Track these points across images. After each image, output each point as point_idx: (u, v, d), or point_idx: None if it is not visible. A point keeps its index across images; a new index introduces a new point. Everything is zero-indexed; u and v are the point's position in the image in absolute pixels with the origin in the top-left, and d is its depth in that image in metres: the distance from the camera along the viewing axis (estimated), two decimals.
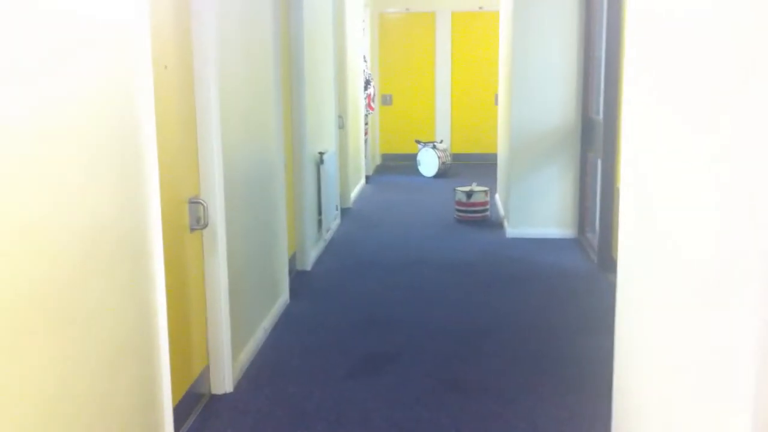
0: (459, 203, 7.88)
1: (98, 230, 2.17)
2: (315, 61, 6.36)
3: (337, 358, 4.11)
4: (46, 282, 1.89)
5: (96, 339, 2.17)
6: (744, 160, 1.43)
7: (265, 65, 4.52)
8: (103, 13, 2.19)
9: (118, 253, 2.31)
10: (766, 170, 1.33)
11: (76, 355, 2.05)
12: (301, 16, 5.67)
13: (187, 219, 3.36)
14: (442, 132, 12.58)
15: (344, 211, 8.31)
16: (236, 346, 3.84)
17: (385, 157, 12.77)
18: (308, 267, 5.96)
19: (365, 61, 10.64)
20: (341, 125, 8.31)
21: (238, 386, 3.76)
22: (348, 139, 8.83)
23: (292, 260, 5.71)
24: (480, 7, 12.21)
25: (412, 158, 11.61)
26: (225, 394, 3.67)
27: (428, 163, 11.15)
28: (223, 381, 3.68)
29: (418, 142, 11.49)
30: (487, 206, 7.91)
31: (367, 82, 10.57)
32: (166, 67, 3.06)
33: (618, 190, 5.40)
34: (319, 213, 6.53)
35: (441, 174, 11.08)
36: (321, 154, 6.52)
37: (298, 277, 5.68)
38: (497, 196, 8.81)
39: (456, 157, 12.14)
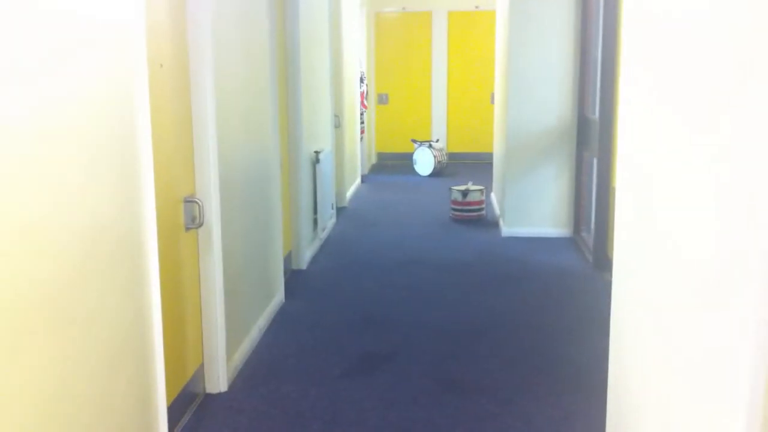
0: (455, 202, 7.89)
1: (98, 230, 2.18)
2: (311, 61, 6.36)
3: (333, 358, 4.12)
4: (46, 282, 1.89)
5: (95, 339, 2.17)
6: (742, 160, 1.44)
7: (261, 64, 4.52)
8: (102, 14, 2.20)
9: (117, 253, 2.31)
10: (765, 170, 1.34)
11: (76, 355, 2.06)
12: (297, 15, 5.67)
13: (182, 218, 3.36)
14: (438, 131, 12.58)
15: (340, 211, 8.31)
16: (231, 345, 3.84)
17: (381, 156, 12.77)
18: (304, 266, 5.96)
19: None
20: (337, 124, 8.31)
21: (233, 385, 3.77)
22: (344, 138, 8.83)
23: (288, 259, 5.71)
24: (476, 7, 12.22)
25: (408, 157, 11.61)
26: (219, 394, 3.67)
27: (424, 162, 11.15)
28: (218, 380, 3.68)
29: (414, 141, 11.50)
30: (483, 205, 7.92)
31: (360, 80, 10.57)
32: (161, 65, 3.06)
33: (614, 189, 5.41)
34: (315, 212, 6.54)
35: (437, 173, 11.08)
36: (317, 153, 6.53)
37: (293, 277, 5.68)
38: (493, 195, 8.83)
39: (452, 156, 12.15)
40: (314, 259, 6.26)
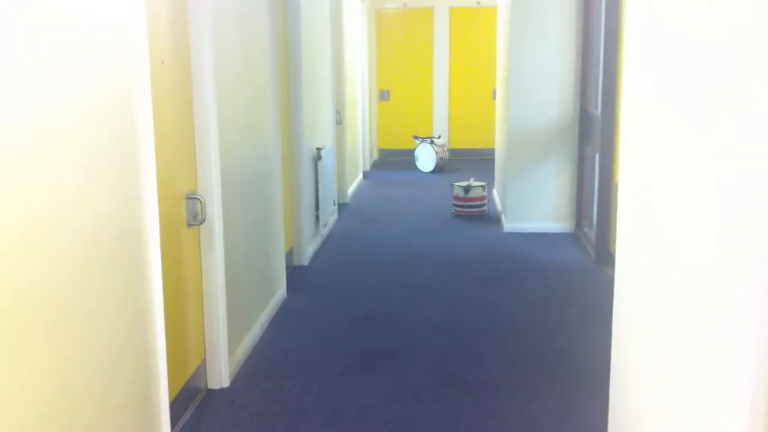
0: (456, 198, 7.89)
1: (98, 230, 2.18)
2: (312, 57, 6.36)
3: (334, 354, 4.13)
4: (46, 282, 1.90)
5: (95, 338, 2.18)
6: (742, 159, 1.44)
7: (262, 61, 4.52)
8: (102, 13, 2.20)
9: (117, 253, 2.32)
10: (765, 169, 1.34)
11: (76, 355, 2.06)
12: (298, 12, 5.67)
13: (184, 215, 3.36)
14: (440, 127, 12.57)
15: (341, 207, 8.32)
16: (233, 341, 3.85)
17: (383, 153, 12.77)
18: (305, 262, 5.97)
19: None
20: (338, 121, 8.31)
21: (235, 381, 3.78)
22: (345, 134, 8.83)
23: (289, 255, 5.72)
24: (478, 2, 12.20)
25: (410, 154, 11.61)
26: (222, 389, 3.69)
27: (426, 159, 11.15)
28: (220, 376, 3.69)
29: (415, 137, 11.49)
30: (485, 201, 7.92)
31: None
32: (162, 62, 3.06)
33: (616, 185, 5.41)
34: (317, 208, 6.54)
35: (438, 169, 11.08)
36: (318, 149, 6.53)
37: (295, 273, 5.69)
38: (495, 191, 8.83)
39: (453, 152, 12.14)
40: (316, 256, 6.27)
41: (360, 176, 10.37)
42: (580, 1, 6.65)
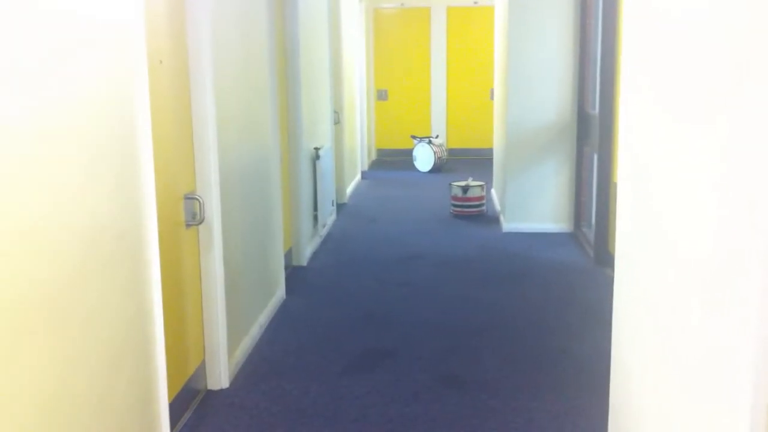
0: (455, 198, 7.89)
1: (98, 230, 2.18)
2: (310, 57, 6.36)
3: (334, 354, 4.13)
4: (46, 282, 1.89)
5: (95, 338, 2.18)
6: (741, 158, 1.44)
7: (260, 61, 4.52)
8: (102, 13, 2.20)
9: (117, 252, 2.32)
10: (763, 169, 1.34)
11: (76, 354, 2.06)
12: (296, 12, 5.66)
13: (183, 215, 3.36)
14: (438, 127, 12.57)
15: (340, 207, 8.32)
16: (232, 341, 3.85)
17: (381, 153, 12.77)
18: (304, 263, 5.97)
19: None
20: (337, 121, 8.31)
21: (234, 382, 3.77)
22: (344, 134, 8.83)
23: (288, 256, 5.71)
24: (475, 2, 12.20)
25: (408, 153, 11.61)
26: (221, 390, 3.68)
27: (424, 159, 11.15)
28: (219, 377, 3.69)
29: (413, 137, 11.49)
30: (483, 201, 7.93)
31: None
32: (161, 62, 3.06)
33: (614, 184, 5.42)
34: (315, 209, 6.54)
35: (437, 169, 11.08)
36: (317, 149, 6.53)
37: (294, 273, 5.68)
38: (493, 191, 8.83)
39: (452, 152, 12.14)
40: (315, 256, 6.26)
41: (358, 176, 10.37)
42: (577, 0, 6.65)
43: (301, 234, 5.91)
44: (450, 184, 8.07)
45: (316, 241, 6.53)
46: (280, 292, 4.99)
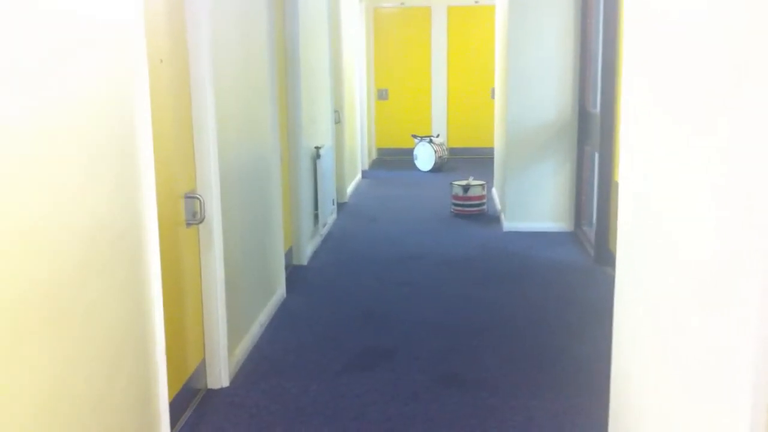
0: (456, 197, 7.89)
1: (98, 230, 2.18)
2: (310, 56, 6.36)
3: (334, 353, 4.13)
4: (46, 282, 1.90)
5: (95, 338, 2.18)
6: (741, 158, 1.45)
7: (260, 60, 4.52)
8: (102, 13, 2.20)
9: (116, 252, 2.32)
10: (763, 169, 1.34)
11: (76, 354, 2.06)
12: (296, 11, 5.67)
13: (183, 214, 3.36)
14: (439, 126, 12.57)
15: (340, 206, 8.32)
16: (233, 340, 3.85)
17: (381, 152, 12.77)
18: (304, 262, 5.97)
19: None
20: (337, 120, 8.31)
21: (235, 381, 3.78)
22: (344, 133, 8.83)
23: (289, 255, 5.72)
24: (476, 1, 12.20)
25: (409, 153, 11.61)
26: (221, 389, 3.69)
27: (425, 158, 11.15)
28: (220, 376, 3.69)
29: (414, 136, 11.49)
30: (484, 200, 7.93)
31: None
32: (161, 61, 3.06)
33: (615, 183, 5.42)
34: (316, 208, 6.54)
35: (437, 168, 11.08)
36: (317, 148, 6.53)
37: (294, 272, 5.69)
38: (494, 190, 8.83)
39: (452, 151, 12.14)
40: (315, 255, 6.27)
41: (359, 175, 10.37)
42: None
43: (301, 233, 5.91)
44: (451, 184, 8.07)
45: (317, 241, 6.54)
46: (280, 291, 5.00)
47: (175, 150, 3.24)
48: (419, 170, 11.17)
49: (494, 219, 7.69)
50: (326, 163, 6.74)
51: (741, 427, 1.46)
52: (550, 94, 6.84)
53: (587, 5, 6.53)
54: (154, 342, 2.65)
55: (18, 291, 1.77)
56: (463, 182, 7.91)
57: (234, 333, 3.88)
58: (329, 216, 7.19)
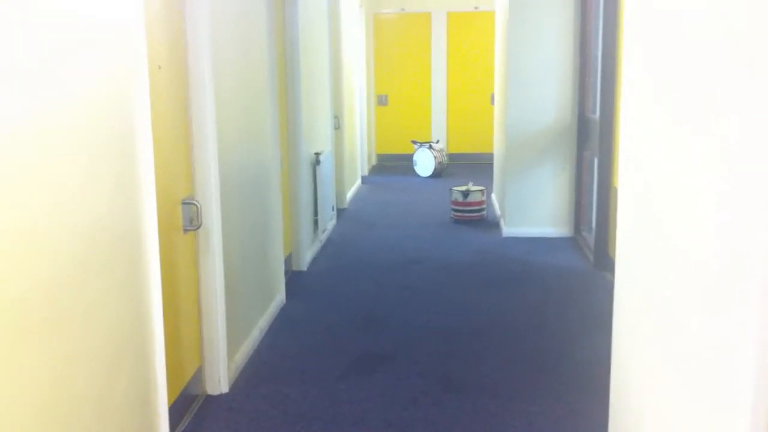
0: (455, 203, 7.89)
1: (97, 230, 2.18)
2: (310, 62, 6.36)
3: (333, 359, 4.12)
4: (46, 282, 1.89)
5: (94, 339, 2.17)
6: (742, 162, 1.44)
7: (260, 66, 4.52)
8: (102, 14, 2.20)
9: (116, 253, 2.32)
10: (764, 172, 1.34)
11: (76, 355, 2.06)
12: (296, 17, 5.67)
13: (181, 220, 3.35)
14: (438, 132, 12.58)
15: (340, 212, 8.32)
16: (232, 346, 3.84)
17: (381, 158, 12.77)
18: (304, 267, 5.96)
19: None
20: (337, 126, 8.31)
21: (234, 386, 3.77)
22: (344, 139, 8.83)
23: (288, 261, 5.71)
24: (475, 7, 12.22)
25: (408, 158, 11.62)
26: (220, 395, 3.67)
27: (424, 164, 11.16)
28: (219, 381, 3.68)
29: (414, 142, 11.50)
30: (484, 206, 7.92)
31: None
32: (160, 67, 3.06)
33: (615, 189, 5.42)
34: (315, 213, 6.54)
35: (437, 174, 11.08)
36: (317, 154, 6.53)
37: (293, 278, 5.68)
38: (493, 196, 8.83)
39: (452, 157, 12.15)
40: (315, 261, 6.26)
41: (358, 181, 10.37)
42: (578, 4, 6.67)
43: (301, 239, 5.90)
44: (450, 189, 8.07)
45: (316, 246, 6.53)
46: (280, 297, 4.99)
47: (172, 155, 3.24)
48: (419, 176, 11.17)
49: (494, 224, 7.68)
50: (326, 168, 6.74)
51: (741, 428, 1.45)
52: (550, 99, 6.85)
53: (586, 10, 6.54)
54: (153, 344, 2.64)
55: (18, 291, 1.76)
56: (463, 188, 7.91)
57: (233, 338, 3.87)
58: (329, 222, 7.19)
